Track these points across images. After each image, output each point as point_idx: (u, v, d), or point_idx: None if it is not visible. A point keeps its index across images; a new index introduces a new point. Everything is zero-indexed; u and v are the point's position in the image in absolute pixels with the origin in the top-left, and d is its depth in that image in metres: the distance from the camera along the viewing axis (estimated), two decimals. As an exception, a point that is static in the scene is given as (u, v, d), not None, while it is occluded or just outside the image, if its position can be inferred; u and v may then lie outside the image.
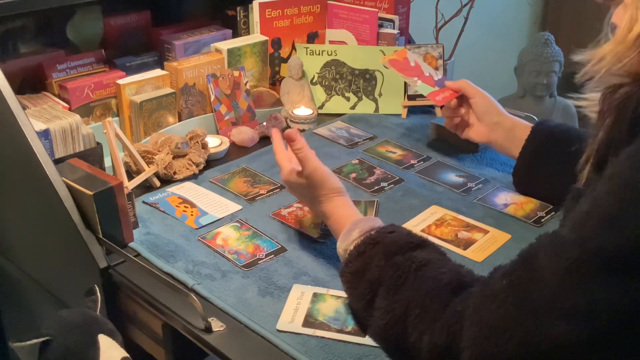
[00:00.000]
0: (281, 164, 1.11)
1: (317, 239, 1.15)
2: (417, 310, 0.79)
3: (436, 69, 1.62)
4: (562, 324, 0.65)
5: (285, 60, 1.69)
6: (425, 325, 0.77)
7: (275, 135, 1.14)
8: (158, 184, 1.31)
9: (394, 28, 1.69)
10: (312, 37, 1.74)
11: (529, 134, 1.24)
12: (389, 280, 0.84)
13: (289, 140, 1.05)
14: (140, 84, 1.42)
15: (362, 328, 0.92)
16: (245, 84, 1.56)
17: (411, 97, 1.64)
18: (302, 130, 1.56)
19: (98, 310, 0.98)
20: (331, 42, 1.72)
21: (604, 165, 0.72)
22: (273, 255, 1.10)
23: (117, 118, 1.43)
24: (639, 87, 0.69)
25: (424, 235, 1.04)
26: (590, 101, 0.79)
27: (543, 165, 1.20)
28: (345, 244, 0.94)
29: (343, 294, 1.01)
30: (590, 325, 0.64)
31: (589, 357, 0.65)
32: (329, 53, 1.65)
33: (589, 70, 0.74)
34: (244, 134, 1.48)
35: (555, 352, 0.66)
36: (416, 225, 1.18)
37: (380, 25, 1.69)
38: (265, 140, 1.52)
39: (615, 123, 0.72)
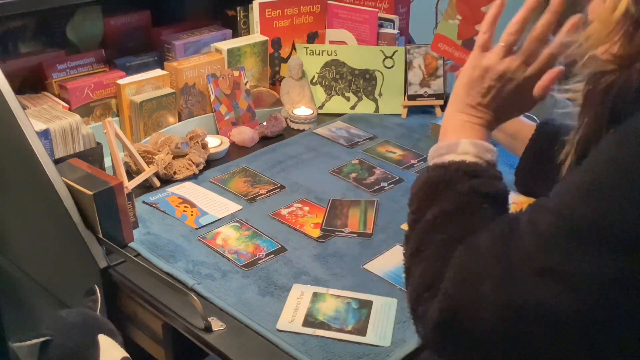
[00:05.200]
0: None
1: (317, 239, 1.15)
2: (438, 242, 0.76)
3: (436, 69, 1.62)
4: (536, 280, 0.66)
5: (285, 60, 1.69)
6: (432, 259, 0.75)
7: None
8: (158, 184, 1.31)
9: (394, 28, 1.69)
10: (312, 37, 1.74)
11: (533, 134, 1.23)
12: (452, 207, 0.79)
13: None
14: (140, 84, 1.42)
15: (408, 224, 0.84)
16: (245, 84, 1.56)
17: (411, 97, 1.64)
18: (302, 130, 1.57)
19: (98, 310, 0.98)
20: (331, 42, 1.72)
21: (585, 155, 0.72)
22: (273, 255, 1.10)
23: (117, 118, 1.43)
24: (622, 74, 0.69)
25: None
26: (574, 92, 0.78)
27: (546, 166, 1.19)
28: (473, 148, 0.82)
29: (343, 293, 1.01)
30: (563, 288, 0.64)
31: (563, 325, 0.66)
32: (329, 53, 1.65)
33: (574, 52, 0.74)
34: (244, 134, 1.48)
35: (526, 307, 0.66)
36: (416, 225, 1.18)
37: (380, 25, 1.69)
38: (265, 140, 1.52)
39: (597, 114, 0.72)
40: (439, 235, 0.78)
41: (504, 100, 0.85)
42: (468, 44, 1.37)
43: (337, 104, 1.67)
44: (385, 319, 0.97)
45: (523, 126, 1.27)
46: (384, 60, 1.63)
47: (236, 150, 1.47)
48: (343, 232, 1.17)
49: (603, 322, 0.65)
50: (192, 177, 1.34)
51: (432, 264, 0.76)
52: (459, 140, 0.83)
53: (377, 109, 1.66)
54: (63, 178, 1.10)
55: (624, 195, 0.63)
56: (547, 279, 0.65)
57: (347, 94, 1.66)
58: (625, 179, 0.63)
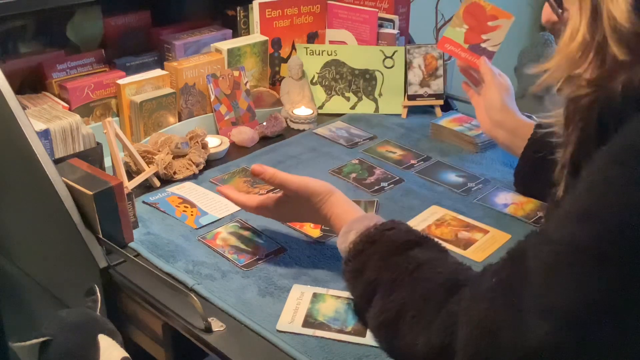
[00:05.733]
0: (250, 203, 1.10)
1: (317, 239, 1.15)
2: (411, 312, 0.79)
3: (436, 69, 1.62)
4: (545, 323, 0.65)
5: (285, 60, 1.69)
6: (421, 326, 0.77)
7: (225, 191, 1.13)
8: (158, 184, 1.31)
9: (394, 28, 1.69)
10: (312, 37, 1.74)
11: (532, 134, 1.23)
12: (386, 281, 0.84)
13: (257, 175, 1.05)
14: (140, 84, 1.42)
15: (364, 325, 0.92)
16: (245, 84, 1.56)
17: (411, 97, 1.64)
18: (302, 130, 1.57)
19: (98, 310, 0.98)
20: (331, 42, 1.72)
21: (579, 170, 0.73)
22: (273, 255, 1.10)
23: (117, 118, 1.43)
24: (600, 94, 0.71)
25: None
26: (557, 118, 0.80)
27: (546, 166, 1.20)
28: (343, 246, 0.95)
29: (343, 294, 1.01)
30: (568, 324, 0.64)
31: (576, 358, 0.66)
32: (329, 53, 1.65)
33: (547, 80, 0.76)
34: (244, 134, 1.48)
35: (542, 352, 0.66)
36: (416, 225, 1.18)
37: (380, 25, 1.69)
38: (265, 140, 1.52)
39: (582, 131, 0.74)
40: (406, 313, 0.80)
41: (294, 212, 1.08)
42: (474, 48, 1.39)
43: (337, 104, 1.67)
44: (385, 319, 0.96)
45: (523, 123, 1.27)
46: (384, 60, 1.63)
47: (236, 150, 1.47)
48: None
49: (603, 348, 0.65)
50: (192, 177, 1.34)
51: (429, 334, 0.77)
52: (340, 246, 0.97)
53: (377, 109, 1.66)
54: (63, 178, 1.10)
55: (623, 216, 0.63)
56: (553, 317, 0.65)
57: (347, 94, 1.66)
58: (623, 198, 0.64)
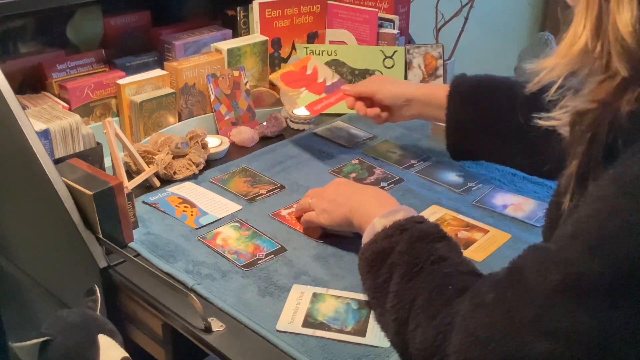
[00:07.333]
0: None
1: (317, 239, 1.15)
2: (421, 301, 0.80)
3: (436, 69, 1.62)
4: (544, 343, 0.65)
5: (285, 60, 1.69)
6: (424, 318, 0.78)
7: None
8: (158, 184, 1.31)
9: (394, 28, 1.69)
10: (312, 37, 1.74)
11: (449, 91, 1.24)
12: (406, 266, 0.85)
13: None
14: (140, 84, 1.42)
15: (372, 308, 0.93)
16: (245, 84, 1.56)
17: (411, 97, 1.64)
18: (302, 130, 1.57)
19: (98, 310, 0.98)
20: (331, 42, 1.72)
21: (587, 181, 0.72)
22: (273, 255, 1.10)
23: (117, 118, 1.43)
24: (606, 112, 0.68)
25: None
26: (560, 121, 0.78)
27: (475, 119, 1.19)
28: (385, 221, 0.95)
29: (343, 293, 1.01)
30: (571, 347, 0.64)
31: None
32: (329, 53, 1.65)
33: (542, 80, 0.74)
34: (244, 134, 1.48)
35: None
36: (416, 225, 1.18)
37: (380, 25, 1.69)
38: (265, 140, 1.52)
39: (588, 149, 0.72)
40: (417, 300, 0.81)
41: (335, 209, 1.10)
42: (330, 89, 1.44)
43: (337, 104, 1.66)
44: (385, 319, 0.96)
45: (433, 89, 1.30)
46: (384, 60, 1.63)
47: (236, 150, 1.47)
48: (343, 232, 1.17)
49: None
50: (192, 177, 1.34)
51: (427, 327, 0.77)
52: (372, 222, 0.96)
53: (377, 109, 1.65)
54: (63, 178, 1.10)
55: (631, 248, 0.62)
56: (553, 339, 0.65)
57: (347, 94, 1.66)
58: (632, 230, 0.62)
